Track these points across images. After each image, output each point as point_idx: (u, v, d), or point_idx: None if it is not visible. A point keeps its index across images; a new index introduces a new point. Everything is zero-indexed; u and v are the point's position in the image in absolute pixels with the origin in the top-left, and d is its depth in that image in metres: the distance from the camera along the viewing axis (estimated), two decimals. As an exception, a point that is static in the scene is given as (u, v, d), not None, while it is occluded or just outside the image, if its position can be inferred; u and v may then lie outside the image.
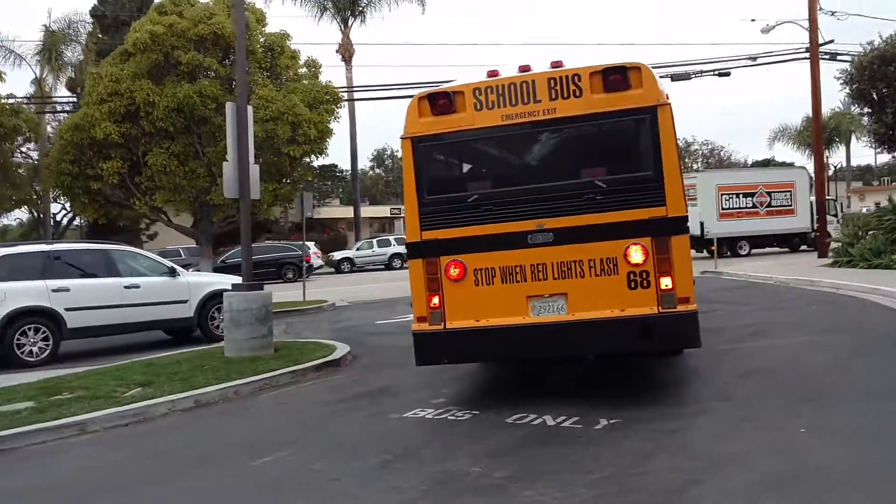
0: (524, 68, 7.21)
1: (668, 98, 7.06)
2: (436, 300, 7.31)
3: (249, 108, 11.14)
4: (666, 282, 6.86)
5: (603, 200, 6.96)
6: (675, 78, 25.82)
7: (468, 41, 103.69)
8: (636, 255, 6.88)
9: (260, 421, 7.77)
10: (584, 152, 7.36)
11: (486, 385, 8.60)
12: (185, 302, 13.36)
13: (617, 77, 6.90)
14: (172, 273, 13.42)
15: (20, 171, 20.36)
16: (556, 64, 7.12)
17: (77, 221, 37.18)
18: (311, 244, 33.03)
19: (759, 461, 5.26)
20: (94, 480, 6.06)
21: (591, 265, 6.99)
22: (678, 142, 7.35)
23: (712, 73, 26.70)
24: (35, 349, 11.83)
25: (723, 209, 32.92)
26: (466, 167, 7.61)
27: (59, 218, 35.60)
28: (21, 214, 45.68)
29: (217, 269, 19.89)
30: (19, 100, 19.90)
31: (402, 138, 7.40)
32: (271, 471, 5.87)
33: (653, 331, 6.83)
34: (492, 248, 7.17)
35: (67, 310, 12.06)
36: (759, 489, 4.75)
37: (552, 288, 7.09)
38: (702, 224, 31.22)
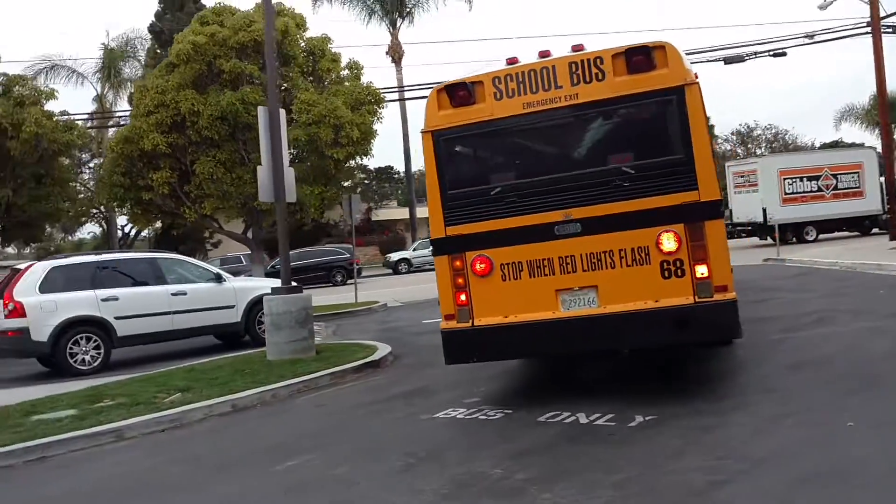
0: (544, 54, 6.97)
1: (696, 77, 6.72)
2: (463, 297, 7.13)
3: (282, 112, 11.15)
4: (702, 270, 6.53)
5: (632, 187, 6.67)
6: (727, 61, 24.94)
7: (516, 35, 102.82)
8: (669, 242, 6.57)
9: (292, 424, 7.72)
10: (610, 138, 7.07)
11: (521, 383, 8.38)
12: (231, 307, 13.47)
13: (640, 58, 6.60)
14: (219, 279, 13.56)
15: (76, 185, 21.01)
16: (577, 48, 6.86)
17: (145, 232, 38.25)
18: (345, 247, 32.61)
19: (795, 459, 4.93)
20: (123, 486, 6.08)
21: (621, 255, 6.71)
22: (708, 122, 6.98)
23: (767, 53, 25.70)
24: (87, 357, 12.08)
25: (786, 194, 31.70)
26: (489, 159, 7.40)
27: (126, 230, 36.72)
28: (94, 228, 47.40)
29: (268, 275, 20.07)
30: (74, 116, 20.59)
31: (423, 132, 7.24)
32: (294, 475, 5.77)
33: (689, 322, 6.51)
34: (518, 241, 6.95)
35: (117, 318, 12.30)
36: (791, 489, 4.42)
37: (582, 280, 6.83)
38: (764, 210, 30.16)
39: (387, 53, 45.48)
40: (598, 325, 6.77)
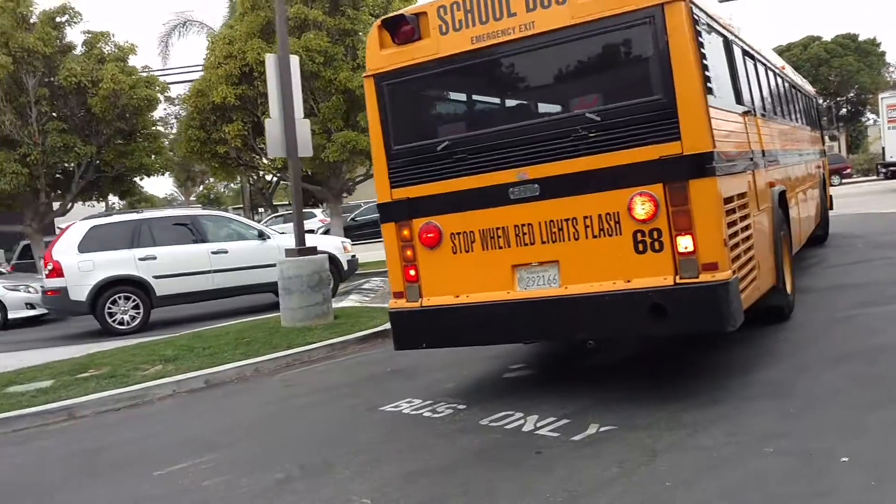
0: (498, -26, 5.63)
1: (689, -11, 5.18)
2: (412, 272, 6.07)
3: (294, 59, 10.28)
4: (685, 242, 5.11)
5: (598, 138, 5.29)
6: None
7: None
8: (642, 207, 5.17)
9: (237, 410, 6.99)
10: (574, 77, 5.67)
11: (504, 369, 7.20)
12: (275, 265, 12.97)
13: (610, -30, 5.14)
14: (262, 237, 13.10)
15: (164, 140, 21.36)
16: (536, -36, 5.47)
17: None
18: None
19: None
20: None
21: (587, 224, 5.39)
22: (706, 49, 5.41)
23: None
24: (126, 318, 12.02)
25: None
26: (436, 107, 6.19)
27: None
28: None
29: (347, 228, 19.59)
30: (160, 72, 20.84)
31: (365, 77, 6.14)
32: (165, 484, 5.03)
33: (667, 308, 5.12)
34: (468, 206, 5.78)
35: (156, 277, 12.14)
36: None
37: (541, 254, 5.58)
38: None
39: None
40: (558, 309, 5.51)
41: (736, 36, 6.69)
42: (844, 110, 54.78)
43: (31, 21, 18.68)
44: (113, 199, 32.97)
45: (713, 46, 5.82)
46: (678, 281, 5.12)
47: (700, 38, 5.26)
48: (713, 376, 5.93)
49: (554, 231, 5.49)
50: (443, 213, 5.87)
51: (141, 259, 12.09)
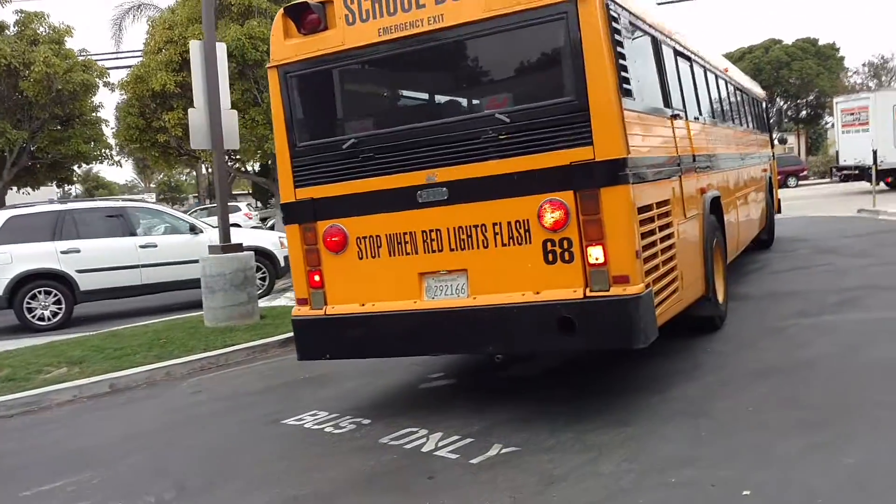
0: (407, -39, 5.27)
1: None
2: (317, 277, 5.71)
3: (221, 46, 9.82)
4: (596, 253, 4.81)
5: (508, 141, 4.98)
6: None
7: None
8: (552, 215, 4.87)
9: (134, 419, 6.54)
10: (484, 74, 5.36)
11: (424, 378, 6.87)
12: (208, 261, 12.50)
13: (523, -39, 4.81)
14: (194, 231, 12.61)
15: (101, 126, 20.58)
16: (446, -49, 5.12)
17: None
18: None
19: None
20: None
21: (496, 231, 5.07)
22: (627, 48, 5.12)
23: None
24: (47, 313, 11.47)
25: (904, 133, 27.71)
26: (343, 102, 5.80)
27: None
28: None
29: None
30: (97, 56, 20.10)
31: (268, 67, 5.74)
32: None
33: (575, 323, 4.83)
34: (375, 209, 5.43)
35: (79, 272, 11.60)
36: None
37: (450, 262, 5.25)
38: (874, 152, 26.43)
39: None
40: (465, 321, 5.20)
41: (667, 36, 6.41)
42: (804, 113, 55.43)
43: (-43, 1, 17.87)
44: (70, 186, 31.97)
45: (636, 46, 5.53)
46: (588, 294, 4.83)
47: (617, 37, 4.96)
48: (631, 392, 5.66)
49: (462, 238, 5.17)
50: (348, 216, 5.52)
51: (63, 252, 11.53)
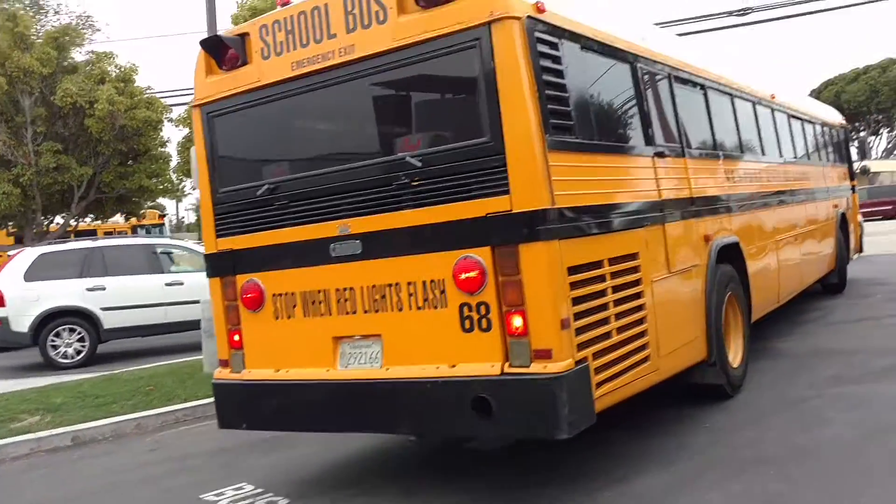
0: (321, -13, 4.70)
1: (533, 6, 4.16)
2: (237, 337, 5.16)
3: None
4: (516, 321, 4.05)
5: (421, 188, 4.30)
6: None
7: None
8: (467, 275, 4.14)
9: (68, 482, 6.12)
10: (398, 113, 4.68)
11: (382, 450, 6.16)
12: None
13: (432, -18, 4.15)
14: (222, 268, 12.36)
15: (163, 162, 20.99)
16: (360, -26, 4.52)
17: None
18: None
19: None
20: None
21: (410, 292, 4.38)
22: (571, 76, 4.35)
23: None
24: (70, 351, 11.45)
25: None
26: (260, 144, 5.23)
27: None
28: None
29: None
30: (161, 93, 20.54)
31: (192, 107, 5.29)
32: None
33: (491, 404, 4.05)
34: (289, 263, 4.84)
35: (104, 309, 11.54)
36: None
37: (364, 326, 4.58)
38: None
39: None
40: (376, 396, 4.50)
41: (649, 59, 5.55)
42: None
43: (31, 41, 18.60)
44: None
45: (590, 73, 4.76)
46: (506, 370, 4.06)
47: (550, 64, 4.21)
48: (589, 476, 4.78)
49: (377, 298, 4.50)
50: (265, 270, 4.95)
51: (89, 289, 11.52)
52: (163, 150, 20.58)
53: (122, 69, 19.16)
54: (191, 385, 8.51)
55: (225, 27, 15.61)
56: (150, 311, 11.78)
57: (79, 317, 11.47)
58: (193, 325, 11.90)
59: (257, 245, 4.96)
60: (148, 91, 19.77)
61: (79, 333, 11.49)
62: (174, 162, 20.50)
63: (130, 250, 12.34)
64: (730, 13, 22.03)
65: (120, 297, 11.61)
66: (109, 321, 11.56)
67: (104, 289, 11.60)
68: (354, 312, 4.57)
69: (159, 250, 12.40)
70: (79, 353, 11.51)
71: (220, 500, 5.17)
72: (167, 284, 11.93)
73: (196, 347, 11.93)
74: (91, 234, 24.18)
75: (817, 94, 50.64)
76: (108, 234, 25.29)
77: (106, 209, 21.13)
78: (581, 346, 4.11)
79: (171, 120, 19.58)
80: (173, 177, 20.82)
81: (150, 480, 5.88)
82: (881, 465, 4.54)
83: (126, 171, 19.35)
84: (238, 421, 5.21)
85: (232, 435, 6.83)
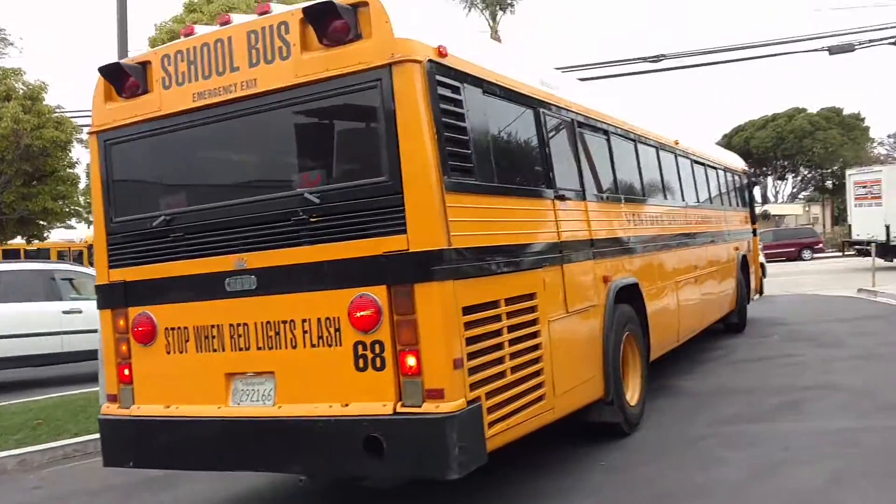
0: (224, 20, 4.69)
1: (434, 50, 4.23)
2: (127, 371, 4.99)
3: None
4: (410, 361, 4.05)
5: (319, 225, 4.29)
6: (833, 51, 20.83)
7: (628, 23, 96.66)
8: (361, 314, 4.13)
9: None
10: (299, 148, 4.68)
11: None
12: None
13: (336, 21, 4.18)
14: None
15: (70, 184, 20.33)
16: (263, 10, 4.53)
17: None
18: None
19: None
20: None
21: (305, 329, 4.34)
22: (472, 119, 4.44)
23: (886, 41, 21.25)
24: (-44, 381, 10.84)
25: (917, 209, 26.43)
26: (158, 174, 5.14)
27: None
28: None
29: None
30: (71, 112, 19.92)
31: (89, 133, 5.16)
32: None
33: (383, 444, 4.03)
34: (182, 297, 4.74)
35: (-6, 337, 10.96)
36: None
37: (257, 363, 4.51)
38: (888, 228, 25.38)
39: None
40: (267, 434, 4.43)
41: (551, 104, 5.70)
42: (830, 183, 54.28)
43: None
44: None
45: (492, 116, 4.84)
46: (399, 409, 4.05)
47: (451, 107, 4.29)
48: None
49: (270, 335, 4.44)
50: (158, 303, 4.83)
51: (-22, 316, 10.96)
52: (71, 171, 19.90)
53: (30, 87, 18.48)
54: (83, 419, 8.17)
55: (143, 49, 15.30)
56: (44, 340, 11.26)
57: (-35, 345, 10.87)
58: (93, 354, 11.44)
59: (151, 277, 4.84)
60: (58, 110, 19.18)
61: (-35, 363, 10.90)
62: (83, 184, 19.86)
63: (24, 276, 11.79)
64: (644, 59, 22.76)
65: (10, 324, 11.06)
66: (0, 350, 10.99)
67: (-6, 315, 11.05)
68: (248, 349, 4.50)
69: (58, 276, 11.91)
70: (-34, 383, 10.90)
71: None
72: (65, 312, 11.44)
73: (95, 378, 11.51)
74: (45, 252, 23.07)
75: (729, 138, 52.85)
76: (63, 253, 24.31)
77: (7, 231, 20.18)
78: (474, 386, 4.14)
79: (81, 141, 18.95)
80: (81, 200, 20.07)
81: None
82: (768, 502, 4.70)
83: (30, 192, 18.57)
84: (125, 459, 5.02)
85: (122, 472, 6.56)
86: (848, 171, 29.87)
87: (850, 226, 28.39)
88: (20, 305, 11.28)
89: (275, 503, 5.58)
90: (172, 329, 4.76)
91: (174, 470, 5.64)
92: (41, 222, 20.22)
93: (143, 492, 6.05)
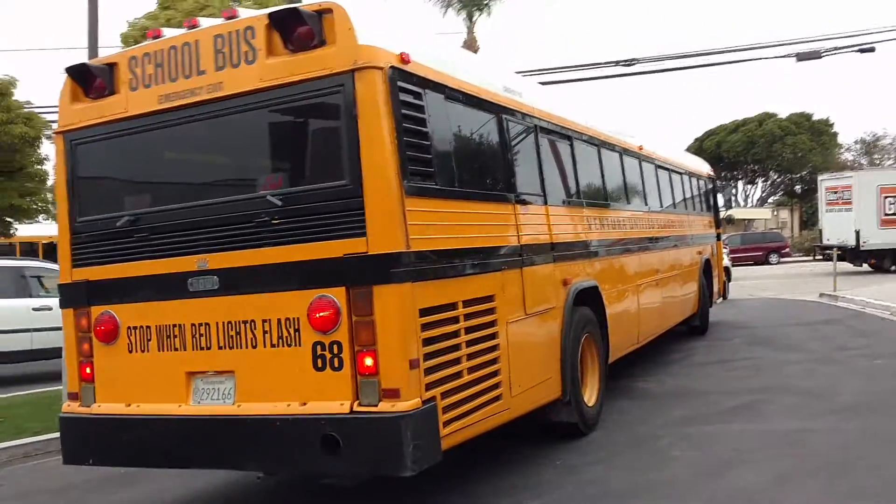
0: (192, 24, 4.76)
1: (396, 56, 4.34)
2: (88, 370, 5.05)
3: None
4: (367, 361, 4.15)
5: (281, 226, 4.38)
6: (801, 57, 21.24)
7: (602, 26, 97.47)
8: (320, 315, 4.23)
9: None
10: (260, 151, 4.78)
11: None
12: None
13: (300, 27, 4.29)
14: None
15: (41, 180, 20.09)
16: (230, 14, 4.60)
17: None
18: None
19: None
20: None
21: (265, 329, 4.43)
22: (433, 125, 4.56)
23: (852, 48, 21.72)
24: (-80, 378, 10.76)
25: (886, 215, 27.04)
26: (123, 175, 5.21)
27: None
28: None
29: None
30: (40, 109, 19.70)
31: (54, 133, 5.20)
32: None
33: (340, 442, 4.13)
34: (145, 296, 4.81)
35: (-39, 334, 10.90)
36: None
37: (218, 362, 4.59)
38: (857, 233, 25.89)
39: (462, 48, 43.36)
40: (226, 432, 4.51)
41: (514, 109, 5.83)
42: (798, 188, 55.12)
43: None
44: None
45: (455, 122, 4.97)
46: (356, 408, 4.15)
47: (413, 112, 4.40)
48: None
49: (231, 335, 4.52)
50: (120, 302, 4.89)
51: (-55, 313, 10.89)
52: (40, 168, 19.67)
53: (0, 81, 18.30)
54: (47, 416, 8.14)
55: (115, 46, 15.23)
56: (14, 337, 11.21)
57: (-69, 342, 10.80)
58: (60, 352, 11.42)
59: (114, 276, 4.90)
60: (27, 106, 18.93)
61: (-69, 360, 10.82)
62: (51, 181, 19.56)
63: (-3, 273, 11.74)
64: (617, 63, 22.99)
65: (-21, 321, 11.01)
66: (-33, 347, 10.94)
67: (-39, 312, 10.98)
68: (209, 348, 4.58)
69: (28, 273, 11.85)
70: (-70, 380, 10.82)
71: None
72: (34, 309, 11.39)
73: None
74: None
75: (700, 142, 53.44)
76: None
77: (-26, 227, 19.97)
78: (430, 386, 4.26)
79: (50, 137, 18.68)
80: (49, 196, 19.83)
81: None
82: (715, 500, 4.86)
83: (-6, 189, 18.37)
84: (85, 457, 5.08)
85: (83, 470, 6.61)
86: (819, 177, 30.40)
87: (821, 231, 28.87)
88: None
89: (232, 499, 5.65)
90: (135, 328, 4.82)
91: (134, 468, 5.69)
92: (8, 219, 19.97)
93: (104, 490, 6.10)
